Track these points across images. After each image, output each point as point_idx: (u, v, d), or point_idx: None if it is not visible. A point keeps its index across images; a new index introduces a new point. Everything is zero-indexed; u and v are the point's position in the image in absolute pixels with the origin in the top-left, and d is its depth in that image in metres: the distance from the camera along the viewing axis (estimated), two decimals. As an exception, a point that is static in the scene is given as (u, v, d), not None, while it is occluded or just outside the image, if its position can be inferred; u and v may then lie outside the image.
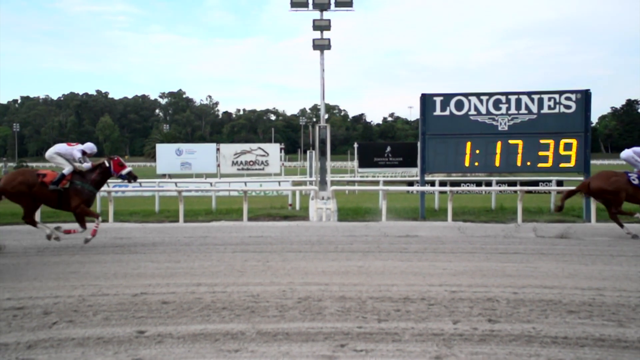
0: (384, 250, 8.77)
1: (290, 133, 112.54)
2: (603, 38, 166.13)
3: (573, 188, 11.60)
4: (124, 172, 9.60)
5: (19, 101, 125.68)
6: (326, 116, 19.98)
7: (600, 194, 10.56)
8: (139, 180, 10.58)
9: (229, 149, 19.63)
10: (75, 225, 9.36)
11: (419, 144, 15.04)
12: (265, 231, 11.33)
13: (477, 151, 13.94)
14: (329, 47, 18.06)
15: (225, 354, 4.06)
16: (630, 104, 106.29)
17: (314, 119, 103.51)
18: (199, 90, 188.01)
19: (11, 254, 8.47)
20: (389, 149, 18.03)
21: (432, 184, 18.40)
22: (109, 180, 10.64)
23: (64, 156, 9.46)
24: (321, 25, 17.55)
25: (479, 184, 20.69)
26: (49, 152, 9.57)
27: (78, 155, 9.50)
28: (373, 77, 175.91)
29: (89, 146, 9.80)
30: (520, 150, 13.80)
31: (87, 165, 9.47)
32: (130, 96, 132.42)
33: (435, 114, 14.17)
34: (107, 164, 9.55)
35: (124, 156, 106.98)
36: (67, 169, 9.29)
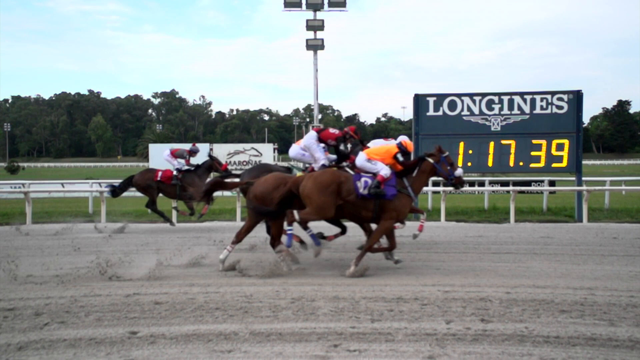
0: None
1: (284, 133, 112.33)
2: (595, 39, 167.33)
3: None
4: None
5: (10, 101, 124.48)
6: (319, 116, 19.99)
7: None
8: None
9: (222, 149, 19.53)
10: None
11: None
12: (258, 231, 11.26)
13: (470, 151, 13.99)
14: (322, 47, 18.07)
15: (218, 355, 4.06)
16: (621, 104, 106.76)
17: (308, 119, 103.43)
18: (192, 90, 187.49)
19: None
20: (382, 149, 17.98)
21: (426, 184, 18.43)
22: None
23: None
24: (314, 26, 17.57)
25: (471, 184, 20.74)
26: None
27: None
28: (366, 77, 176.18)
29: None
30: (512, 150, 13.86)
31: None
32: (122, 96, 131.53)
33: (428, 114, 14.21)
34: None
35: (116, 156, 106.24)
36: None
